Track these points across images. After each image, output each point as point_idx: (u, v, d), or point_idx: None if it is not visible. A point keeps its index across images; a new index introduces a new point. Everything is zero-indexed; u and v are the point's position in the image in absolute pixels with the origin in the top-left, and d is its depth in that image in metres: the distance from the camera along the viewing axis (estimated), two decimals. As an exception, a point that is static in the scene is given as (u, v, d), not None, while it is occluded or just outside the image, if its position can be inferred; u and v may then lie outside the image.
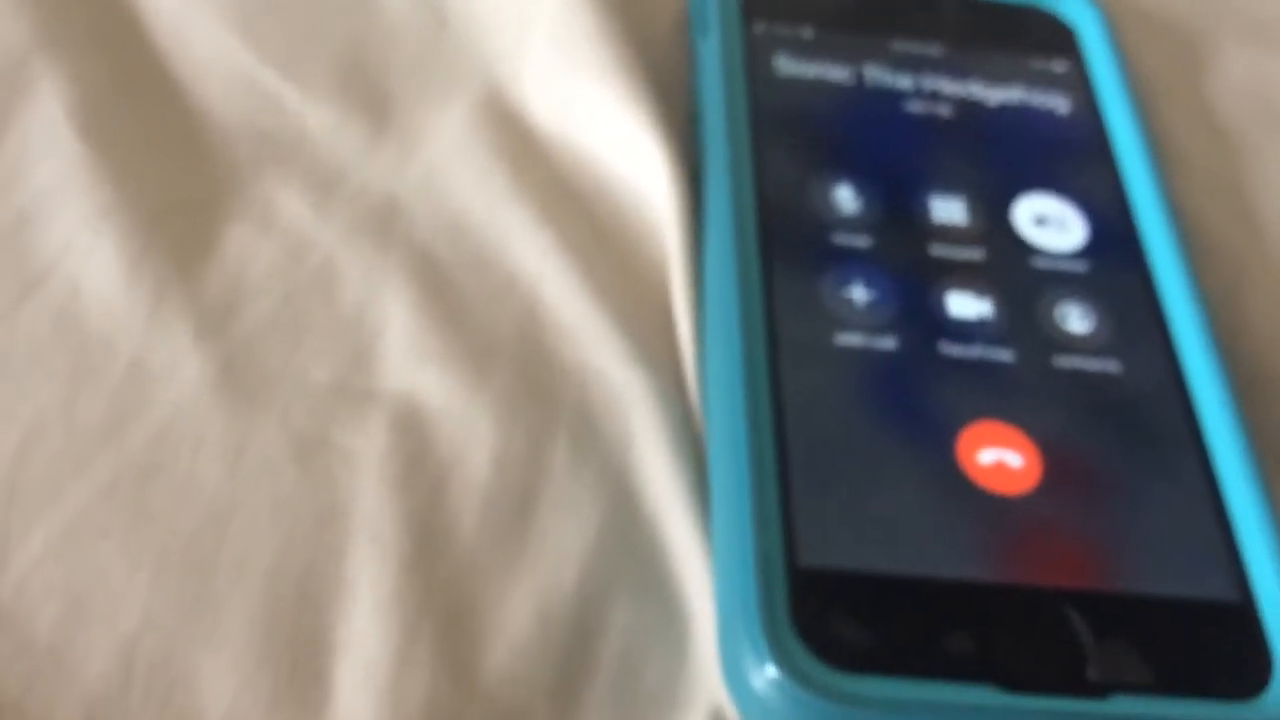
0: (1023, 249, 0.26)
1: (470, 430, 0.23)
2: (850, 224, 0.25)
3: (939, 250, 0.25)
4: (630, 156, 0.27)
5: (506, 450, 0.23)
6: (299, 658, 0.21)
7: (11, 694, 0.20)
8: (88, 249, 0.25)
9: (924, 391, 0.23)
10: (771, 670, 0.19)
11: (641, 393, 0.24)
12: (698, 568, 0.22)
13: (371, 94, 0.28)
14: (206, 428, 0.23)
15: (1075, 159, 0.27)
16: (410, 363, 0.24)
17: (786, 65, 0.28)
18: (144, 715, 0.20)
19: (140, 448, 0.23)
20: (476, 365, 0.24)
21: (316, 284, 0.25)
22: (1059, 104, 0.28)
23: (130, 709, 0.20)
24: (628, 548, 0.22)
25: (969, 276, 0.25)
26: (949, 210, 0.26)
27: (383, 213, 0.26)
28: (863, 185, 0.26)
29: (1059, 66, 0.29)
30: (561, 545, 0.22)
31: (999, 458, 0.23)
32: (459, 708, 0.21)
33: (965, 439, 0.23)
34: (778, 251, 0.25)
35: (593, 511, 0.23)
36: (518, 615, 0.22)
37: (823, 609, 0.20)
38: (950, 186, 0.26)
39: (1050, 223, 0.26)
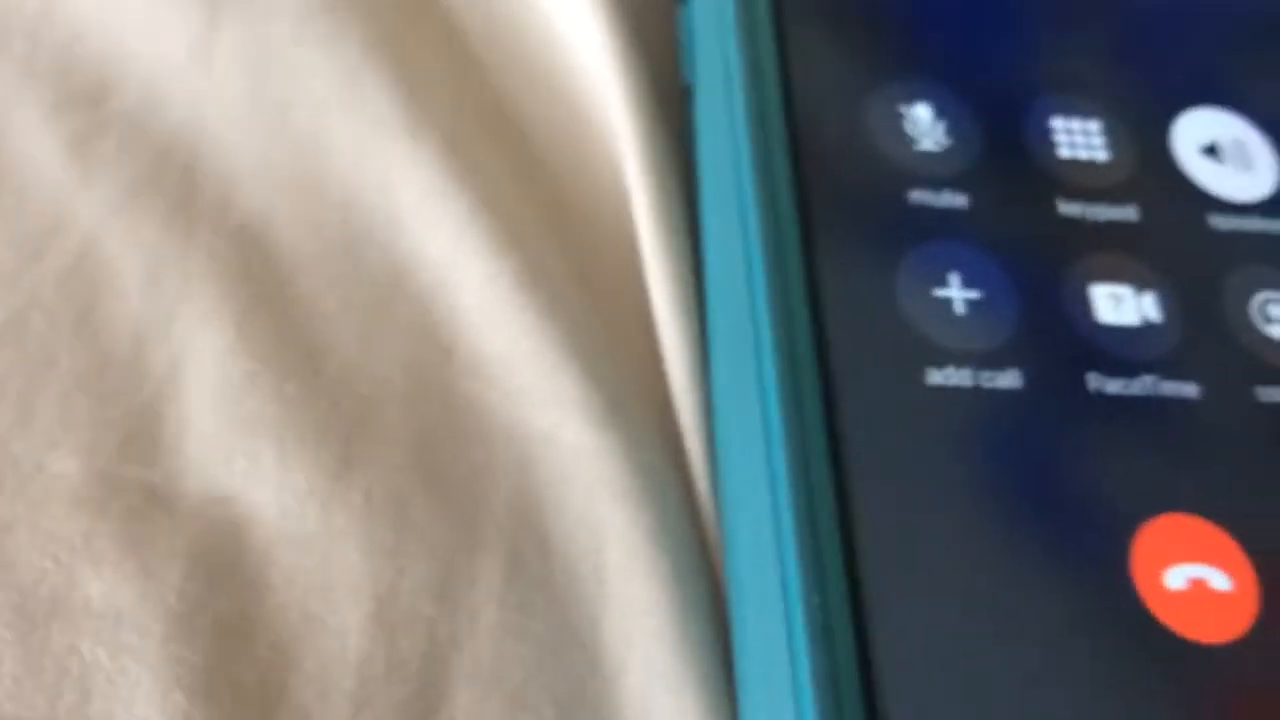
0: (1195, 198, 0.17)
1: (327, 567, 0.14)
2: (935, 169, 0.16)
3: (1073, 208, 0.16)
4: (571, 42, 0.17)
5: (388, 602, 0.14)
6: None
7: None
8: None
9: (1070, 464, 0.14)
10: None
11: (617, 474, 0.15)
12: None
13: None
14: None
15: (1265, 54, 0.18)
16: (223, 443, 0.15)
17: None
18: None
19: None
20: (337, 439, 0.15)
21: (67, 297, 0.15)
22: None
23: None
24: None
25: (1121, 253, 0.16)
26: (1080, 139, 0.17)
27: (180, 153, 0.16)
28: (945, 100, 0.17)
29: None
30: None
31: (1195, 578, 0.14)
32: None
33: (1142, 547, 0.14)
34: (824, 222, 0.15)
35: (544, 692, 0.14)
36: None
37: None
38: (1076, 99, 0.17)
39: (1226, 155, 0.17)
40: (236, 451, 0.14)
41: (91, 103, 0.16)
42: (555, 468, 0.15)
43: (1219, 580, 0.14)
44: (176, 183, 0.16)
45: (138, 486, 0.14)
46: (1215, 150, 0.17)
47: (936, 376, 0.15)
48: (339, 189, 0.16)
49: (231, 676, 0.13)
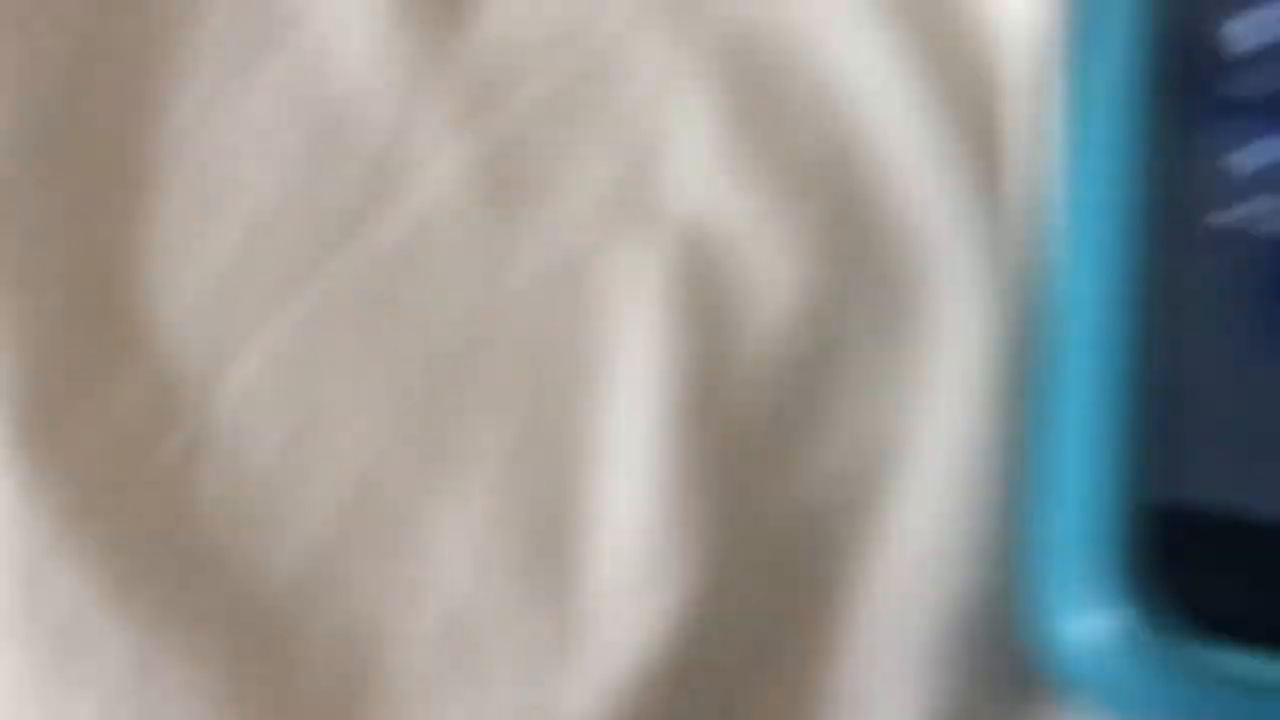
0: None
1: (769, 267, 0.20)
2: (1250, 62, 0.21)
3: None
4: None
5: (810, 297, 0.19)
6: (547, 521, 0.18)
7: (221, 535, 0.18)
8: (342, 3, 0.21)
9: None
10: (1113, 619, 0.16)
11: (973, 267, 0.20)
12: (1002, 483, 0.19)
13: None
14: (462, 235, 0.20)
15: None
16: (703, 178, 0.20)
17: None
18: (369, 574, 0.17)
19: (385, 249, 0.19)
20: (784, 189, 0.20)
21: (596, 70, 0.21)
22: None
23: (353, 566, 0.17)
24: (926, 452, 0.19)
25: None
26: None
27: None
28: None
29: None
30: (850, 428, 0.19)
31: None
32: (723, 594, 0.18)
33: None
34: (1167, 89, 0.20)
35: (892, 398, 0.19)
36: (792, 499, 0.19)
37: (1187, 554, 0.17)
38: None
39: None
40: (711, 187, 0.20)
41: None
42: (932, 252, 0.20)
43: None
44: (677, 6, 0.22)
45: (641, 204, 0.20)
46: None
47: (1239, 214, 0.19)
48: (796, 30, 0.22)
49: (703, 321, 0.19)
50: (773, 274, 0.20)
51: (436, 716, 0.18)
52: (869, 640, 0.18)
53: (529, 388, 0.19)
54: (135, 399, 0.18)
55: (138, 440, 0.18)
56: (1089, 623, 0.16)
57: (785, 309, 0.19)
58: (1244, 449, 0.18)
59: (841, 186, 0.20)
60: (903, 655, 0.18)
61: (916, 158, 0.21)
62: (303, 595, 0.17)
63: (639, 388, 0.19)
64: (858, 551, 0.18)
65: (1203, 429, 0.18)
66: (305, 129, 0.20)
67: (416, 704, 0.18)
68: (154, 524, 0.18)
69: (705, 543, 0.18)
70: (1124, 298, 0.18)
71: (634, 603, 0.17)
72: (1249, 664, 0.16)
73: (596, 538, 0.18)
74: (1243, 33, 0.21)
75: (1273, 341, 0.18)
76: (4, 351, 0.19)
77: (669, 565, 0.18)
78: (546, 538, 0.18)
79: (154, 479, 0.18)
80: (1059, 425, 0.18)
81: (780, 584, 0.18)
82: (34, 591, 0.18)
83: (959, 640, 0.18)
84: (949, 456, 0.19)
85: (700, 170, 0.20)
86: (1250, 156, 0.20)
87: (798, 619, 0.18)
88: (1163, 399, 0.18)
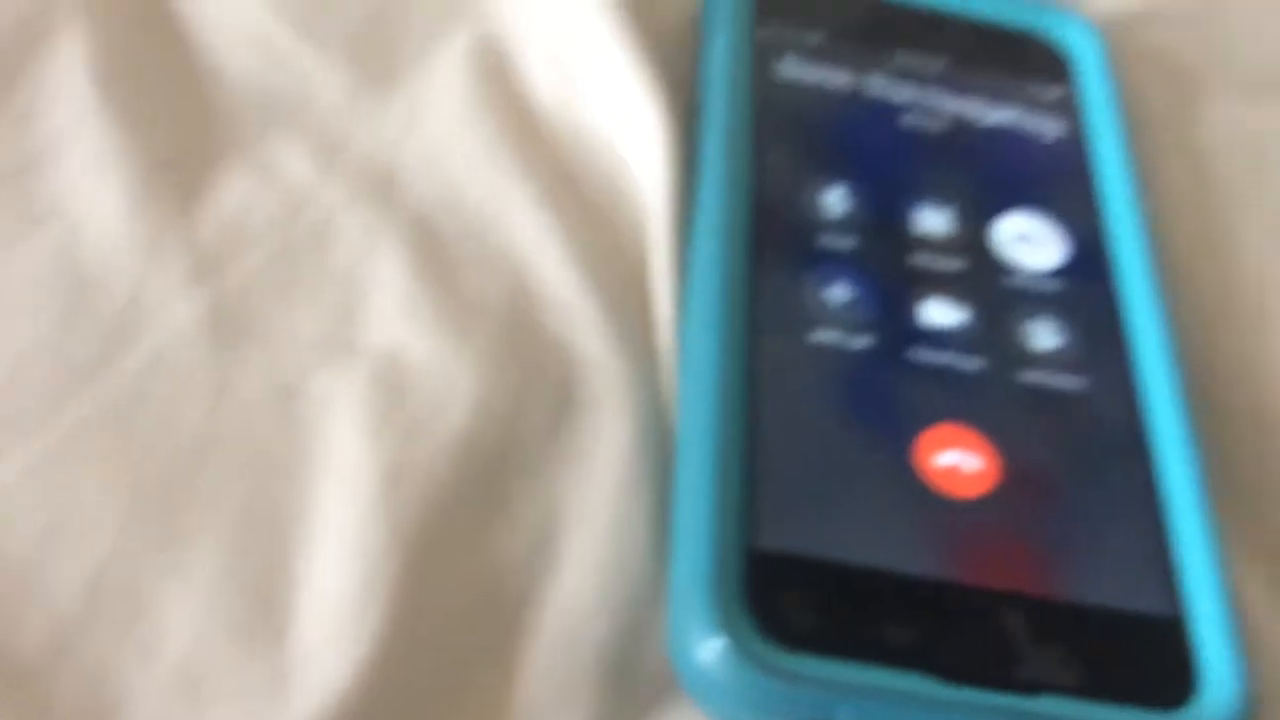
0: (999, 265, 0.27)
1: (450, 385, 0.24)
2: (836, 227, 0.26)
3: (919, 259, 0.26)
4: (630, 140, 0.27)
5: (485, 406, 0.24)
6: (262, 590, 0.22)
7: None
8: (91, 192, 0.25)
9: (889, 392, 0.24)
10: (717, 642, 0.20)
11: (621, 377, 0.25)
12: (653, 546, 0.23)
13: (384, 59, 0.29)
14: (191, 368, 0.24)
15: (1059, 183, 0.28)
16: (396, 320, 0.25)
17: (791, 68, 0.29)
18: (109, 638, 0.21)
19: (125, 383, 0.23)
20: (462, 327, 0.25)
21: (312, 239, 0.26)
22: (1049, 129, 0.29)
23: (95, 632, 0.21)
24: (587, 522, 0.23)
25: (945, 287, 0.26)
26: (932, 222, 0.27)
27: (384, 180, 0.27)
28: (852, 191, 0.27)
29: (1053, 93, 0.30)
30: (524, 508, 0.23)
31: (955, 461, 0.23)
32: (414, 646, 0.21)
33: (924, 441, 0.23)
34: (763, 247, 0.25)
35: (559, 482, 0.23)
36: (475, 564, 0.23)
37: (773, 589, 0.21)
38: (936, 199, 0.27)
39: (1029, 241, 0.27)
40: (402, 326, 0.25)
41: (332, 153, 0.27)
42: (586, 368, 0.25)
43: (971, 461, 0.23)
44: (380, 192, 0.26)
45: (344, 340, 0.24)
46: (1017, 234, 0.27)
47: (817, 336, 0.24)
48: (476, 210, 0.27)
49: (394, 426, 0.23)
50: (455, 388, 0.24)
51: None
52: (545, 668, 0.22)
53: (247, 486, 0.23)
54: None
55: None
56: (698, 647, 0.21)
57: (466, 416, 0.24)
58: (817, 507, 0.22)
59: (513, 321, 0.25)
60: (571, 678, 0.22)
61: (577, 298, 0.25)
62: (52, 657, 0.21)
63: (340, 481, 0.23)
64: (533, 602, 0.22)
65: (787, 492, 0.22)
66: (58, 291, 0.24)
67: None
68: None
69: (397, 602, 0.22)
70: (734, 395, 0.23)
71: (336, 652, 0.21)
72: (821, 669, 0.21)
73: (304, 602, 0.22)
74: (831, 202, 0.27)
75: (846, 430, 0.23)
76: None
77: (366, 621, 0.21)
78: (262, 603, 0.21)
79: None
80: (683, 494, 0.23)
81: (466, 631, 0.22)
82: None
83: (618, 666, 0.22)
84: (608, 527, 0.23)
85: (393, 313, 0.25)
86: (835, 292, 0.25)
87: (481, 659, 0.22)
88: (755, 472, 0.22)
